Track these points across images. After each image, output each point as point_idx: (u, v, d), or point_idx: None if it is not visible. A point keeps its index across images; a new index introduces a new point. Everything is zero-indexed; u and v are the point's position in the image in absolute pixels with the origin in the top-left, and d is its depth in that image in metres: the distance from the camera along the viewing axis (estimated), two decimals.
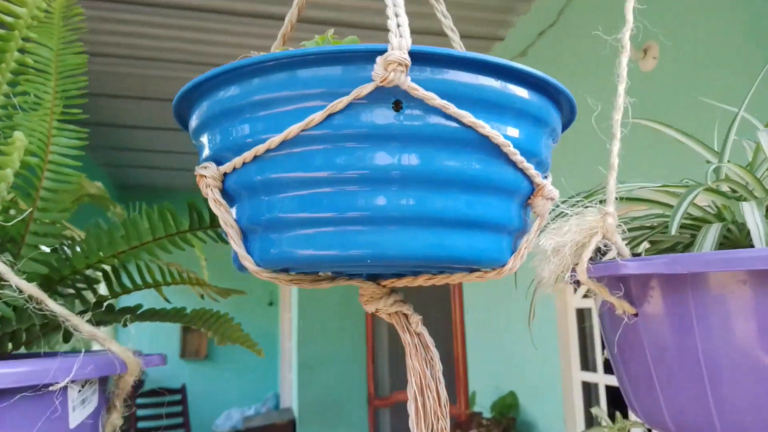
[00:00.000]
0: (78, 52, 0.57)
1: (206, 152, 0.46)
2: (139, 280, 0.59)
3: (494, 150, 0.42)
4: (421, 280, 0.51)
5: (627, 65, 0.54)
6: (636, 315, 0.52)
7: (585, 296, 3.08)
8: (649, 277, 0.50)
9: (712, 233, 0.50)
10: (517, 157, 0.43)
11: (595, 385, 3.02)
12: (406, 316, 0.52)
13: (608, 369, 2.95)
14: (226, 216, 0.45)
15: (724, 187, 0.55)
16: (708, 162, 0.61)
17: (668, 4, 2.06)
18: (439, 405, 0.50)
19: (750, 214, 0.47)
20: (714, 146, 0.59)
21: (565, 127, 0.52)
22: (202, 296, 0.65)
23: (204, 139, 0.46)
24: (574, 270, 0.52)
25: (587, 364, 3.12)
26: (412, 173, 0.40)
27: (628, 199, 0.57)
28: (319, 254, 0.42)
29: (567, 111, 0.50)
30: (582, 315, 3.17)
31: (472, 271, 0.48)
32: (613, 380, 2.78)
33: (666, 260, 0.46)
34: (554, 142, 0.50)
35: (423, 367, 0.50)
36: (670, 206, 0.57)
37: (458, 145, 0.40)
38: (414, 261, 0.42)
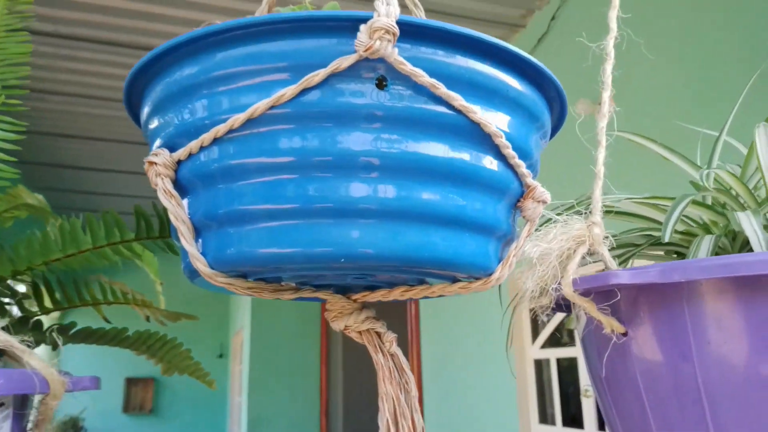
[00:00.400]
0: (22, 41, 0.52)
1: (158, 142, 0.41)
2: (75, 297, 0.52)
3: (484, 141, 0.38)
4: (397, 293, 0.46)
5: (611, 73, 0.52)
6: (625, 334, 0.48)
7: (543, 347, 3.05)
8: (641, 291, 0.47)
9: (705, 244, 0.47)
10: (509, 150, 0.39)
11: None
12: (379, 334, 0.47)
13: (567, 422, 2.91)
14: (178, 210, 0.39)
15: (710, 200, 0.53)
16: (693, 183, 0.59)
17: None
18: None
19: (747, 222, 0.44)
20: (698, 164, 0.58)
21: (554, 131, 0.49)
22: (147, 318, 0.58)
23: (156, 124, 0.40)
24: (559, 284, 0.48)
25: (545, 417, 3.06)
26: (394, 160, 0.36)
27: (614, 212, 0.54)
28: (282, 253, 0.36)
29: (557, 110, 0.47)
30: (540, 366, 3.13)
31: (455, 281, 0.44)
32: None
33: (661, 269, 0.43)
34: (543, 142, 0.46)
35: (397, 392, 0.44)
36: (658, 222, 0.54)
37: (446, 131, 0.36)
38: (391, 262, 0.37)
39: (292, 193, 0.35)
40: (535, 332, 3.13)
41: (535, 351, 3.09)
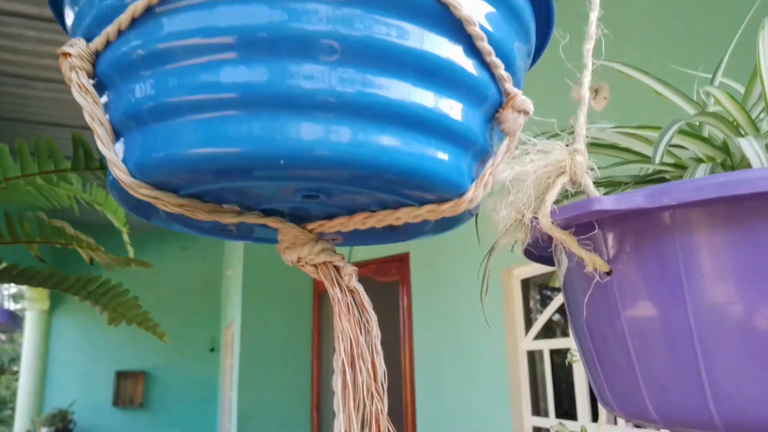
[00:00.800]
0: None
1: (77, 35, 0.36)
2: (5, 233, 0.47)
3: (456, 29, 0.33)
4: (358, 221, 0.41)
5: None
6: (609, 273, 0.43)
7: (536, 338, 3.01)
8: (626, 223, 0.42)
9: (700, 172, 0.42)
10: (484, 44, 0.34)
11: (547, 431, 2.92)
12: (337, 268, 0.42)
13: (560, 414, 2.86)
14: (94, 108, 0.34)
15: (706, 133, 0.48)
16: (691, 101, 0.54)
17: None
18: (375, 380, 0.39)
19: (749, 146, 0.40)
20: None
21: (539, 50, 0.44)
22: (91, 261, 0.53)
23: (72, 17, 0.35)
24: (536, 216, 0.43)
25: (538, 409, 3.02)
26: (350, 41, 0.30)
27: (597, 144, 0.49)
28: (217, 153, 0.31)
29: (543, 24, 0.41)
30: (533, 358, 3.09)
31: (422, 203, 0.39)
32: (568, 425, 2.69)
33: (649, 191, 0.38)
34: (528, 55, 0.41)
35: (356, 331, 0.39)
36: (646, 157, 0.49)
37: (410, 11, 0.31)
38: (349, 168, 0.32)
39: (230, 78, 0.30)
40: (528, 323, 3.09)
41: (528, 342, 3.05)
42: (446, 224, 0.44)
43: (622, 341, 0.43)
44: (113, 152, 0.34)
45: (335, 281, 0.40)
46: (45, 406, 6.41)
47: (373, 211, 0.40)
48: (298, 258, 0.41)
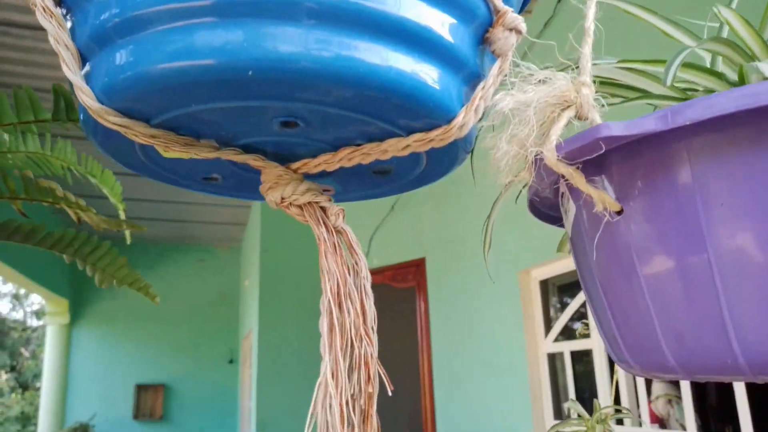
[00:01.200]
0: None
1: None
2: None
3: None
4: (343, 156, 0.38)
5: None
6: (620, 213, 0.40)
7: (556, 340, 2.95)
8: (637, 155, 0.39)
9: None
10: None
11: None
12: (323, 209, 0.39)
13: None
14: (59, 32, 0.32)
15: (720, 66, 0.44)
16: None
17: None
18: (364, 322, 0.36)
19: None
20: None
21: None
22: (78, 220, 0.51)
23: None
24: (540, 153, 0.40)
25: (560, 413, 2.95)
26: None
27: (602, 82, 0.46)
28: (189, 66, 0.29)
29: None
30: (554, 360, 3.02)
31: (410, 132, 0.36)
32: None
33: (661, 113, 0.35)
34: None
35: (343, 271, 0.37)
36: (654, 96, 0.46)
37: None
38: (326, 79, 0.30)
39: None
40: (548, 325, 3.03)
41: (548, 345, 2.99)
42: (439, 165, 0.41)
43: (635, 287, 0.40)
44: (79, 77, 0.32)
45: (321, 221, 0.38)
46: (66, 420, 6.44)
47: (358, 145, 0.37)
48: (282, 198, 0.38)
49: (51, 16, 0.32)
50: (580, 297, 2.72)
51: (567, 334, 2.94)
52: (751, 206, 0.35)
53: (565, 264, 2.83)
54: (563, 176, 0.39)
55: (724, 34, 0.49)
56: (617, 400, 2.41)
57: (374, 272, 4.33)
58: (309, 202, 0.39)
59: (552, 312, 3.10)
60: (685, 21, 0.57)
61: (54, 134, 0.57)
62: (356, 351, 0.35)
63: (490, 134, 0.39)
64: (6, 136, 0.49)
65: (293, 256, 5.12)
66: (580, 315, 2.84)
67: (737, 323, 0.35)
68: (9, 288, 11.54)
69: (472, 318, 3.49)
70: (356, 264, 0.38)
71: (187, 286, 6.91)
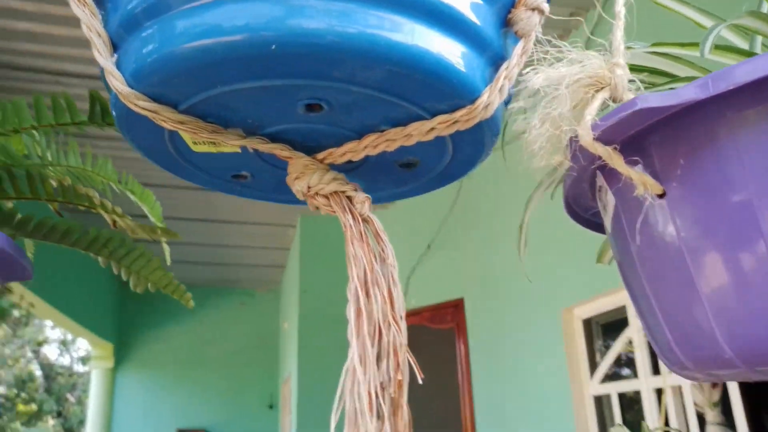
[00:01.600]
0: None
1: None
2: (26, 190, 0.45)
3: None
4: (368, 143, 0.38)
5: None
6: (662, 196, 0.38)
7: (603, 381, 2.83)
8: (677, 131, 0.37)
9: None
10: None
11: None
12: (350, 198, 0.38)
13: None
14: (92, 20, 0.33)
15: (758, 47, 0.43)
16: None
17: None
18: (392, 308, 0.35)
19: None
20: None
21: None
22: (114, 223, 0.51)
23: None
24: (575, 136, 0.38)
25: None
26: None
27: (631, 68, 0.44)
28: (215, 44, 0.30)
29: None
30: (600, 403, 2.89)
31: (434, 114, 0.35)
32: None
33: (701, 81, 0.33)
34: None
35: (370, 257, 0.36)
36: (682, 80, 0.45)
37: None
38: (350, 54, 0.30)
39: None
40: (593, 365, 2.91)
41: (595, 386, 2.87)
42: (466, 154, 0.40)
43: (683, 272, 0.38)
44: (110, 62, 0.33)
45: (347, 209, 0.37)
46: None
47: (381, 132, 0.37)
48: (308, 187, 0.38)
49: (84, 5, 0.33)
50: (625, 335, 2.62)
51: (614, 374, 2.82)
52: None
53: (610, 301, 2.74)
54: (600, 158, 0.37)
55: (764, 9, 0.47)
56: None
57: (411, 313, 4.27)
58: (335, 192, 0.38)
59: (597, 355, 2.98)
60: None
61: (95, 155, 0.58)
62: (384, 338, 0.33)
63: (522, 116, 0.38)
64: (48, 154, 0.51)
65: (333, 295, 5.11)
66: (628, 360, 2.73)
67: None
68: (57, 334, 11.83)
69: (514, 359, 3.39)
70: (383, 251, 0.36)
71: (228, 330, 6.95)
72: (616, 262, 0.46)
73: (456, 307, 4.08)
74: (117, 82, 0.32)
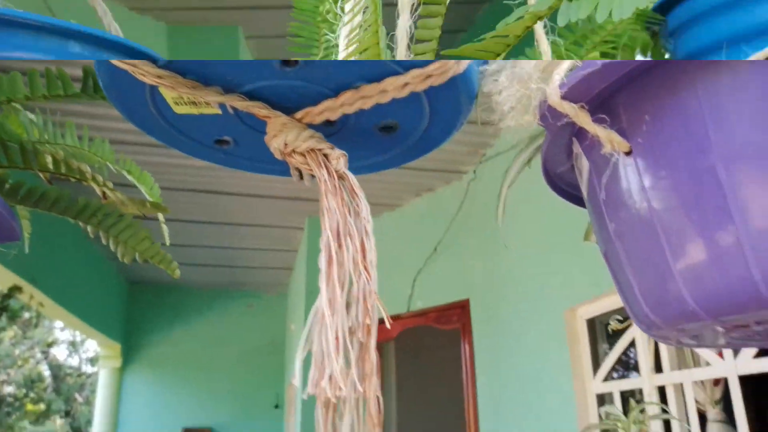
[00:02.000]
0: None
1: None
2: (18, 160, 0.47)
3: None
4: (344, 100, 0.39)
5: None
6: (629, 154, 0.39)
7: (605, 380, 2.82)
8: (641, 87, 0.38)
9: None
10: None
11: None
12: (326, 155, 0.39)
13: None
14: None
15: None
16: None
17: None
18: (364, 257, 0.36)
19: None
20: None
21: None
22: (104, 194, 0.53)
23: None
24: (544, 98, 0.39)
25: None
26: None
27: None
28: None
29: None
30: (603, 401, 2.88)
31: (407, 68, 0.36)
32: None
33: None
34: None
35: (344, 210, 0.37)
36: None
37: None
38: None
39: None
40: (596, 363, 2.90)
41: (597, 385, 2.86)
42: (444, 116, 0.42)
43: (648, 227, 0.38)
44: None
45: (323, 164, 0.38)
46: None
47: (356, 88, 0.38)
48: (285, 144, 0.39)
49: None
50: (629, 334, 2.61)
51: (616, 373, 2.81)
52: (761, 122, 0.33)
53: (613, 301, 2.73)
54: (567, 116, 0.38)
55: None
56: None
57: (418, 314, 4.27)
58: (312, 149, 0.39)
59: (600, 352, 2.97)
60: None
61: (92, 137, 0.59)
62: (355, 285, 0.35)
63: (493, 76, 0.39)
64: (46, 135, 0.52)
65: None
66: (630, 359, 2.71)
67: (758, 248, 0.33)
68: (66, 336, 11.90)
69: (518, 360, 3.38)
70: (357, 206, 0.38)
71: (235, 332, 6.97)
72: (592, 223, 0.47)
73: (462, 308, 4.08)
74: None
